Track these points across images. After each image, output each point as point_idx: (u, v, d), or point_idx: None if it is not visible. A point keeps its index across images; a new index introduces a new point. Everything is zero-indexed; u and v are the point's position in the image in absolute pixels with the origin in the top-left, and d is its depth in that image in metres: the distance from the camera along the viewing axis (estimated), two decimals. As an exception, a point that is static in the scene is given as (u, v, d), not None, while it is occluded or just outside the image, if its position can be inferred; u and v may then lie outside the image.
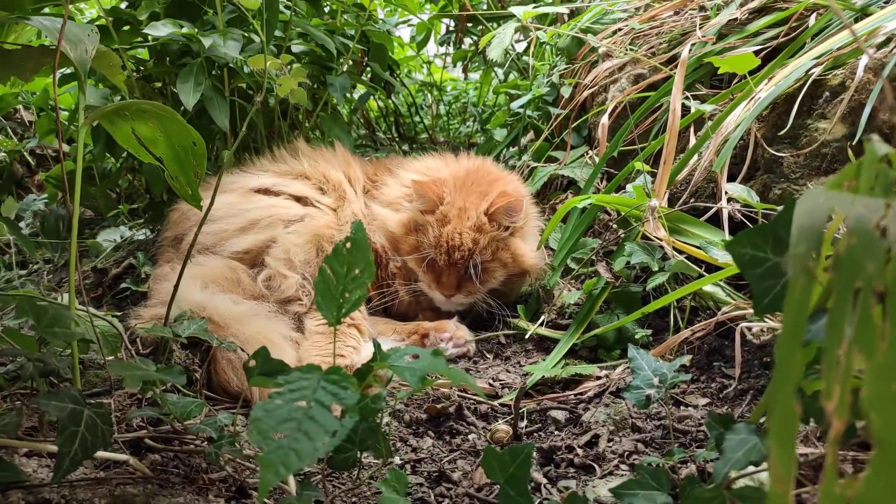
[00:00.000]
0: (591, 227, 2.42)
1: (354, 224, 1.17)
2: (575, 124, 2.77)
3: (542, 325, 2.16)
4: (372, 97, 4.49)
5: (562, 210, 2.27)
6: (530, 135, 3.17)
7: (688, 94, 2.45)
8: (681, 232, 1.93)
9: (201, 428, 1.30)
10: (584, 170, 2.66)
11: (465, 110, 4.99)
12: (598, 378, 1.83)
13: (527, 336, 2.11)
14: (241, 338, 1.88)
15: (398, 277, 2.26)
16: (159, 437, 1.43)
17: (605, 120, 2.49)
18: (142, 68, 2.76)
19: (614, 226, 2.48)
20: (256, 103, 1.85)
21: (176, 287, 1.72)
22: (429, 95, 5.13)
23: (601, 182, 2.65)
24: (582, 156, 2.77)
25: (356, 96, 4.11)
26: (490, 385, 1.89)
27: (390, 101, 4.50)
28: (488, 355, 2.16)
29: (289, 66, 2.01)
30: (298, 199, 2.33)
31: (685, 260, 1.84)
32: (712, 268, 1.83)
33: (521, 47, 3.92)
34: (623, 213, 2.14)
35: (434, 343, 2.11)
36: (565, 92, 2.82)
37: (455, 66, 4.48)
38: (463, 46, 4.33)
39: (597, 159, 2.68)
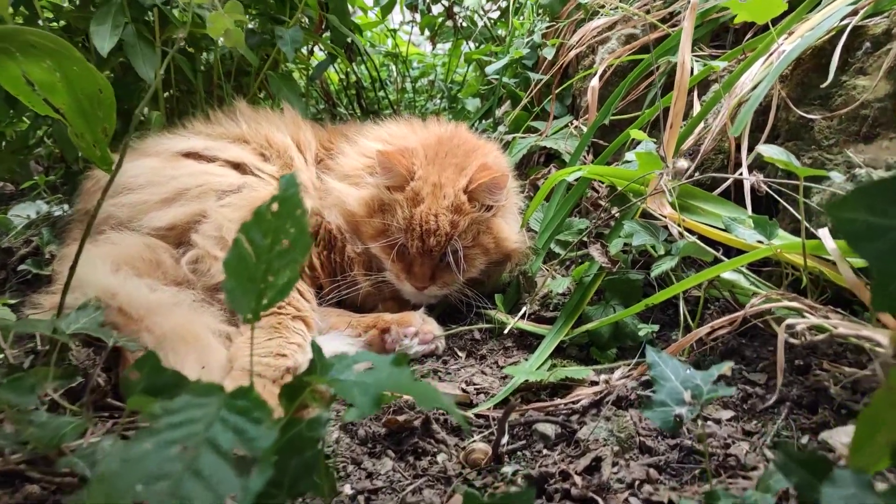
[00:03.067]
0: (577, 205, 2.10)
1: (284, 179, 0.82)
2: (558, 90, 2.45)
3: (523, 317, 1.84)
4: (332, 66, 4.11)
5: (547, 185, 1.95)
6: (507, 104, 2.84)
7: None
8: (690, 209, 1.63)
9: (71, 461, 0.94)
10: (569, 141, 2.35)
11: (432, 85, 4.63)
12: (594, 384, 1.52)
13: (506, 331, 1.79)
14: (158, 332, 1.52)
15: (357, 265, 1.91)
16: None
17: (594, 83, 2.17)
18: (61, 21, 2.34)
19: (605, 203, 2.17)
20: (178, 41, 1.47)
21: (72, 269, 1.36)
22: (394, 68, 4.76)
23: (587, 155, 2.34)
24: (566, 126, 2.45)
25: (314, 64, 3.74)
26: (463, 391, 1.56)
27: (352, 71, 4.12)
28: (460, 353, 1.83)
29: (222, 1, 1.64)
30: (235, 165, 1.95)
31: (698, 241, 1.54)
32: (729, 252, 1.53)
33: (496, 12, 3.58)
34: (619, 188, 1.82)
35: (396, 339, 1.77)
36: (548, 53, 2.50)
37: (423, 32, 4.11)
38: (432, 13, 3.97)
39: (583, 129, 2.36)
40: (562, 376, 1.54)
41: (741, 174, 1.57)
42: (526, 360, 1.72)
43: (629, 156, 1.79)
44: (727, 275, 1.46)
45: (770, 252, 1.35)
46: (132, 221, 1.82)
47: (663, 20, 2.29)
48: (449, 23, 4.07)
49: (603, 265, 1.67)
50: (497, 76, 2.80)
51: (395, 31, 4.39)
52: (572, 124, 2.40)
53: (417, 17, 4.24)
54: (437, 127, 2.06)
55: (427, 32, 4.33)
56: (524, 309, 1.85)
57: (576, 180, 1.88)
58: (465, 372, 1.73)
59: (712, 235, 1.53)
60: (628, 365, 1.54)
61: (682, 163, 1.27)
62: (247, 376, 1.54)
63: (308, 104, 4.06)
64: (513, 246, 1.89)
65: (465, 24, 4.01)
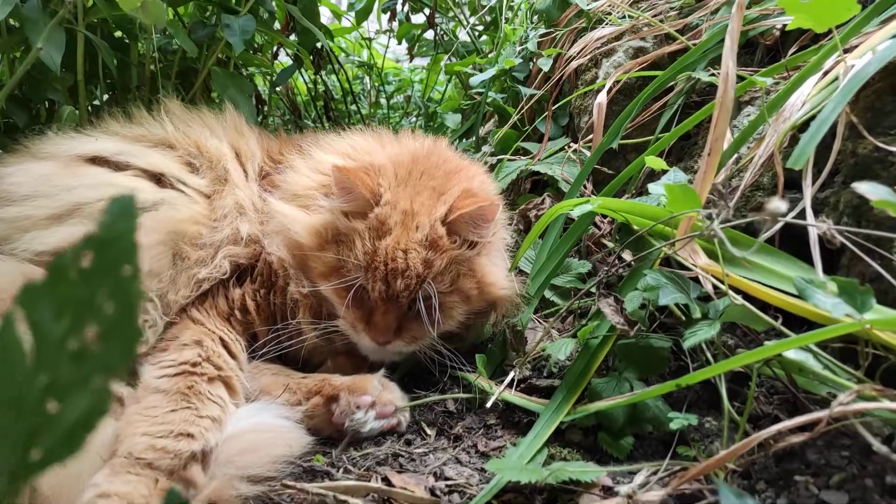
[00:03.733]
0: (576, 244, 1.73)
1: (113, 204, 0.42)
2: (555, 107, 2.09)
3: (511, 386, 1.44)
4: (300, 74, 3.72)
5: (545, 218, 1.57)
6: (492, 122, 2.48)
7: (711, 69, 1.81)
8: (733, 261, 1.26)
9: None
10: (567, 167, 1.98)
11: (408, 101, 4.26)
12: (608, 491, 1.13)
13: (489, 403, 1.39)
14: None
15: (303, 310, 1.50)
16: None
17: (602, 98, 1.82)
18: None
19: (610, 244, 1.80)
20: (66, 7, 1.06)
21: None
22: (368, 81, 4.38)
23: (587, 184, 1.98)
24: (562, 149, 2.09)
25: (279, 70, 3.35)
26: (431, 494, 1.16)
27: (321, 81, 3.73)
28: (429, 430, 1.42)
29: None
30: (153, 176, 1.54)
31: (748, 305, 1.17)
32: (788, 320, 1.17)
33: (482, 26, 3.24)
34: (638, 229, 1.45)
35: (346, 412, 1.36)
36: (544, 64, 2.14)
37: (400, 42, 3.75)
38: (411, 21, 3.62)
39: (585, 153, 2.00)
40: (564, 477, 1.15)
41: (788, 218, 1.21)
42: (514, 445, 1.32)
43: (654, 188, 1.43)
44: (793, 354, 1.09)
45: (857, 328, 0.99)
46: (7, 242, 1.39)
47: (680, 31, 1.95)
48: (429, 34, 3.72)
49: (618, 326, 1.29)
50: (482, 89, 2.44)
51: (370, 40, 4.02)
52: (570, 147, 2.04)
53: (395, 25, 3.88)
54: (411, 142, 1.67)
55: (405, 44, 3.98)
56: (511, 374, 1.45)
57: (579, 215, 1.51)
58: (435, 458, 1.32)
59: (767, 298, 1.17)
60: (656, 468, 1.16)
61: (778, 203, 0.89)
62: (133, 466, 1.12)
63: (271, 114, 3.66)
64: (500, 293, 1.50)
65: (446, 37, 3.66)
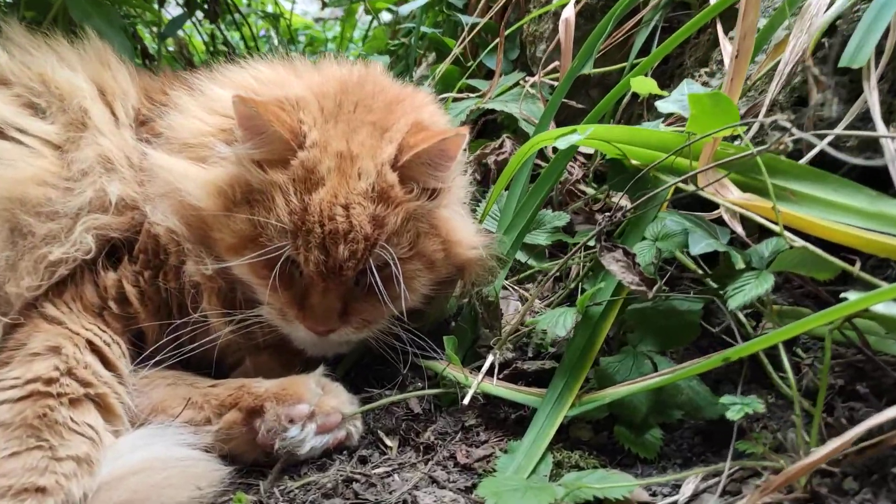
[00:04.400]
0: (549, 193, 1.41)
1: None
2: (508, 32, 1.74)
3: (490, 374, 1.11)
4: (194, 26, 3.21)
5: (518, 157, 1.25)
6: (426, 63, 2.11)
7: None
8: (766, 192, 0.96)
9: None
10: (525, 103, 1.65)
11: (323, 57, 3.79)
12: (651, 511, 0.83)
13: (466, 398, 1.06)
14: None
15: (208, 296, 1.10)
16: None
17: (569, 13, 1.49)
18: None
19: (590, 190, 1.50)
20: None
21: None
22: (274, 36, 3.88)
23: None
24: (516, 84, 1.76)
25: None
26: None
27: (219, 34, 3.24)
28: (389, 441, 1.07)
29: None
30: (-23, 123, 1.09)
31: (810, 247, 0.88)
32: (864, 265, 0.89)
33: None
34: (640, 164, 1.14)
35: (275, 429, 0.99)
36: (489, -17, 1.79)
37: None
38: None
39: (546, 86, 1.68)
40: (586, 497, 0.84)
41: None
42: (505, 452, 1.00)
43: (665, 105, 1.11)
44: (882, 307, 0.82)
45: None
46: None
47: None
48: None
49: (631, 286, 0.98)
50: (412, 24, 2.07)
51: (273, -15, 3.53)
52: (526, 81, 1.71)
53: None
54: (336, 68, 1.28)
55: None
56: (490, 358, 1.12)
57: (554, 151, 1.18)
58: (402, 480, 0.99)
59: (835, 237, 0.88)
60: (709, 473, 0.86)
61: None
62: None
63: (160, 64, 3.13)
64: (470, 253, 1.15)
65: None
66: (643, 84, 1.24)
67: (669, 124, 1.28)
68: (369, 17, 3.29)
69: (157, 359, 1.08)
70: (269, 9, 3.73)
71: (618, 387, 0.99)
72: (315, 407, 1.01)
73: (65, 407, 0.91)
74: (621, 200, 1.33)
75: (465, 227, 1.16)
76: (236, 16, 3.09)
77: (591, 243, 1.12)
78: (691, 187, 1.04)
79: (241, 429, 1.00)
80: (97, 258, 1.10)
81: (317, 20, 4.24)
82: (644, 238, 1.09)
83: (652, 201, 1.11)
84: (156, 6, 2.80)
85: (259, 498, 0.95)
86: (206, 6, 2.99)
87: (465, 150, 1.13)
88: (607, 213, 1.06)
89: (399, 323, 1.13)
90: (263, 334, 1.12)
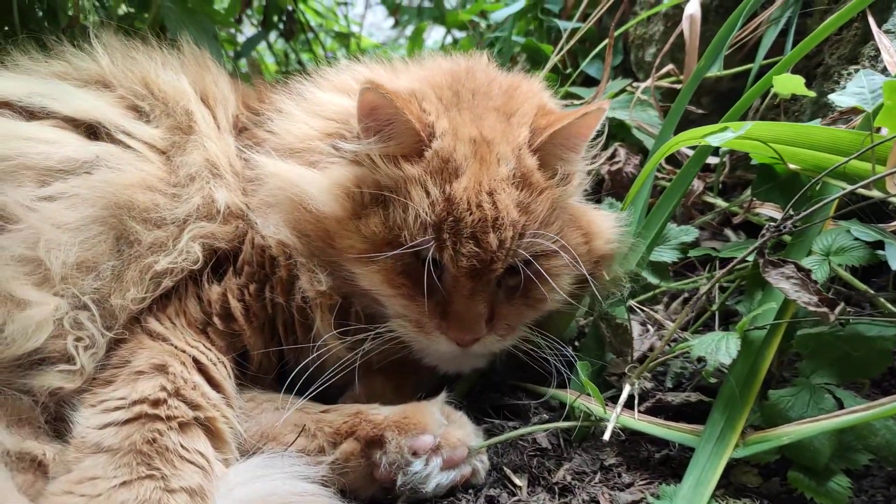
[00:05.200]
0: (677, 204, 1.28)
1: None
2: (616, 33, 1.63)
3: (630, 406, 0.98)
4: (267, 47, 3.24)
5: (652, 163, 1.13)
6: (517, 70, 2.01)
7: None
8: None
9: None
10: (640, 109, 1.53)
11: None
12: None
13: (605, 434, 0.93)
14: None
15: (321, 312, 1.00)
16: None
17: (693, 9, 1.37)
18: None
19: (718, 201, 1.36)
20: None
21: None
22: (339, 55, 3.86)
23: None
24: (623, 90, 1.64)
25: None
26: None
27: (293, 50, 3.24)
28: (518, 480, 0.95)
29: None
30: (83, 126, 1.04)
31: None
32: None
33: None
34: (800, 168, 1.01)
35: (398, 462, 0.88)
36: (593, -14, 1.69)
37: (384, 1, 3.25)
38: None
39: (652, 97, 1.56)
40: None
41: None
42: (657, 497, 0.87)
43: (844, 99, 0.98)
44: None
45: None
46: None
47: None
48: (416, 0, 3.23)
49: (808, 308, 0.84)
50: (501, 33, 1.98)
51: (346, 3, 3.52)
52: (634, 87, 1.60)
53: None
54: (441, 61, 1.19)
55: (381, 21, 3.47)
56: (627, 388, 0.99)
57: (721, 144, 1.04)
58: (539, 527, 0.86)
59: None
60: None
61: None
62: None
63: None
64: (608, 248, 1.06)
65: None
66: (787, 83, 1.11)
67: (828, 124, 1.14)
68: (440, 33, 3.24)
69: (259, 372, 1.00)
70: (339, 27, 3.74)
71: (793, 425, 0.85)
72: (440, 438, 0.90)
73: (174, 432, 0.83)
74: (765, 210, 1.20)
75: (601, 218, 1.07)
76: (309, 35, 3.08)
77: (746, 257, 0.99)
78: (875, 193, 0.90)
79: (358, 460, 0.90)
80: (203, 269, 1.02)
81: (382, 44, 4.22)
82: (811, 253, 0.95)
83: (820, 212, 0.97)
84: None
85: (381, 540, 0.85)
86: (281, 25, 3.00)
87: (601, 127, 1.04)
88: (772, 224, 0.92)
89: (538, 331, 1.02)
90: (379, 354, 1.02)
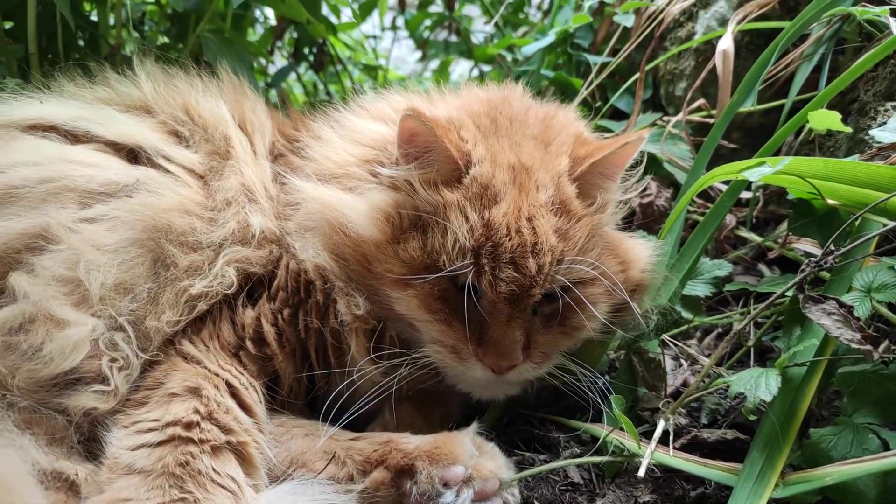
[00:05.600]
0: (710, 238, 1.27)
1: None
2: (648, 67, 1.64)
3: (664, 441, 0.96)
4: (297, 78, 3.30)
5: (688, 196, 1.12)
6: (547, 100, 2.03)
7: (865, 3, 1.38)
8: None
9: None
10: (670, 143, 1.53)
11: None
12: None
13: (640, 470, 0.91)
14: None
15: (356, 336, 1.00)
16: None
17: (726, 45, 1.38)
18: None
19: (752, 236, 1.35)
20: None
21: None
22: (366, 88, 3.91)
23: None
24: (653, 124, 1.64)
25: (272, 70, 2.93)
26: None
27: (322, 82, 3.30)
28: (549, 516, 0.93)
29: None
30: (125, 151, 1.06)
31: None
32: None
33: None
34: (840, 204, 1.00)
35: (429, 493, 0.87)
36: (624, 20, 1.71)
37: (412, 35, 3.31)
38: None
39: (684, 131, 1.56)
40: None
41: None
42: (693, 537, 0.84)
43: (885, 135, 0.97)
44: None
45: None
46: None
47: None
48: (442, 34, 3.28)
49: (851, 345, 0.83)
50: (529, 67, 2.00)
51: (375, 37, 3.59)
52: (664, 121, 1.60)
53: (400, 21, 3.46)
54: (476, 91, 1.20)
55: (408, 53, 3.54)
56: (661, 424, 0.97)
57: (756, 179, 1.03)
58: (573, 565, 0.84)
59: None
60: None
61: None
62: None
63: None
64: (643, 276, 1.05)
65: (462, 28, 3.23)
66: (823, 118, 1.11)
67: (866, 160, 1.13)
68: (465, 66, 3.28)
69: (291, 397, 1.00)
70: (366, 60, 3.80)
71: (836, 466, 0.83)
72: (472, 470, 0.89)
73: (207, 455, 0.82)
74: (802, 245, 1.19)
75: (638, 246, 1.07)
76: (338, 67, 3.14)
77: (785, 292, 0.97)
78: (918, 231, 0.89)
79: (388, 490, 0.89)
80: (237, 294, 1.02)
81: (408, 77, 4.27)
82: (851, 289, 0.94)
83: (860, 248, 0.96)
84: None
85: (411, 574, 0.83)
86: (311, 57, 3.06)
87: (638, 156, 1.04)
88: (813, 259, 0.91)
89: (572, 359, 1.02)
90: (409, 382, 1.01)
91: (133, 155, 1.07)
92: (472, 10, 3.44)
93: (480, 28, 3.27)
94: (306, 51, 3.05)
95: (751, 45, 1.62)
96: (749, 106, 1.34)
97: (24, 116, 1.07)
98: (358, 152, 1.11)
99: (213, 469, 0.82)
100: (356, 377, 0.98)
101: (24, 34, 1.54)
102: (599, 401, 1.00)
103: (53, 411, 0.87)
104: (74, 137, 1.07)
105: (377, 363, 0.99)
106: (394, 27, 3.61)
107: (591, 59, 1.83)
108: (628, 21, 1.71)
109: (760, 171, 0.98)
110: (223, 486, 0.81)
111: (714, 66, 1.49)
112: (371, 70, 3.69)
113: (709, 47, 1.62)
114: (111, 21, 1.77)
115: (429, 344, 0.98)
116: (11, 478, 0.73)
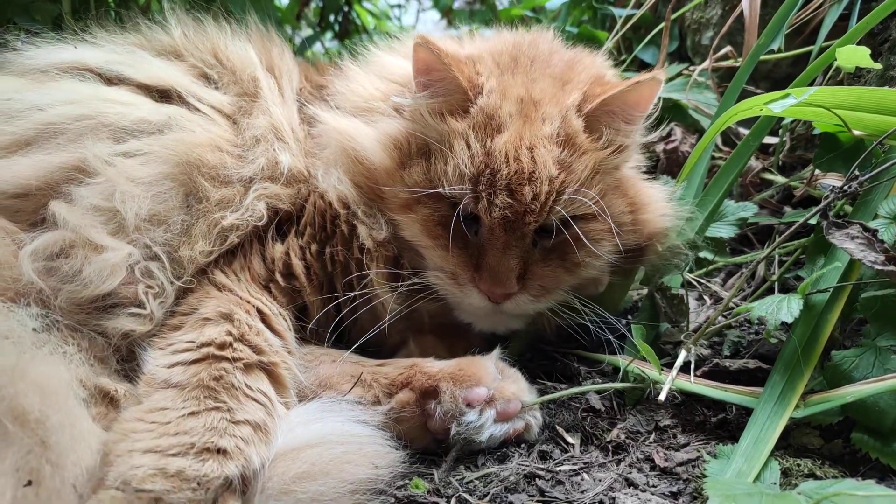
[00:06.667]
0: (735, 179, 1.26)
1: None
2: (673, 17, 1.63)
3: (685, 370, 0.98)
4: (321, 46, 3.31)
5: (711, 132, 1.12)
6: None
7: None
8: None
9: None
10: (696, 91, 1.52)
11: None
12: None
13: (662, 395, 0.92)
14: None
15: (377, 262, 1.04)
16: None
17: (754, -13, 1.36)
18: None
19: (777, 177, 1.34)
20: None
21: None
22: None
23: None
24: (679, 74, 1.63)
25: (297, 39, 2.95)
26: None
27: (345, 54, 3.29)
28: (570, 438, 0.95)
29: None
30: (157, 92, 1.09)
31: None
32: None
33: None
34: (866, 135, 0.99)
35: (452, 412, 0.90)
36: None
37: (437, 3, 3.31)
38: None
39: (711, 79, 1.54)
40: (844, 508, 0.68)
41: None
42: (713, 456, 0.86)
43: None
44: None
45: None
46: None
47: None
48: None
49: (874, 267, 0.83)
50: (554, 24, 1.99)
51: (399, 6, 3.58)
52: (691, 70, 1.59)
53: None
54: (505, 34, 1.21)
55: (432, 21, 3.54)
56: (682, 354, 0.98)
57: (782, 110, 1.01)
58: (593, 480, 0.86)
59: None
60: None
61: None
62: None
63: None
64: (658, 221, 1.05)
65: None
66: (852, 55, 1.09)
67: None
68: (490, 34, 3.27)
69: (318, 325, 1.03)
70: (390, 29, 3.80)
71: (856, 385, 0.83)
72: (494, 391, 0.91)
73: (239, 371, 0.86)
74: (829, 179, 1.18)
75: (653, 191, 1.06)
76: (363, 36, 3.15)
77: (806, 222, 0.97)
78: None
79: (413, 410, 0.91)
80: (267, 227, 1.06)
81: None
82: (876, 216, 0.93)
83: (885, 174, 0.95)
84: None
85: (435, 486, 0.86)
86: (336, 26, 3.08)
87: (656, 102, 1.03)
88: (837, 188, 0.91)
89: (580, 297, 1.02)
90: (428, 311, 1.04)
91: (164, 96, 1.10)
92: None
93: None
94: (332, 19, 3.07)
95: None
96: (776, 47, 1.32)
97: (60, 59, 1.10)
98: (384, 87, 1.14)
99: (246, 384, 0.85)
100: (377, 303, 1.01)
101: (59, -6, 1.58)
102: (616, 341, 1.00)
103: (94, 332, 0.91)
104: (108, 80, 1.10)
105: (394, 290, 1.01)
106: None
107: (617, 11, 1.81)
108: (654, -31, 1.70)
109: (785, 102, 0.97)
110: (255, 400, 0.84)
111: (741, 14, 1.47)
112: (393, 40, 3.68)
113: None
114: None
115: (431, 270, 1.01)
116: (57, 386, 0.77)
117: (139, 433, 0.76)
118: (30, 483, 0.68)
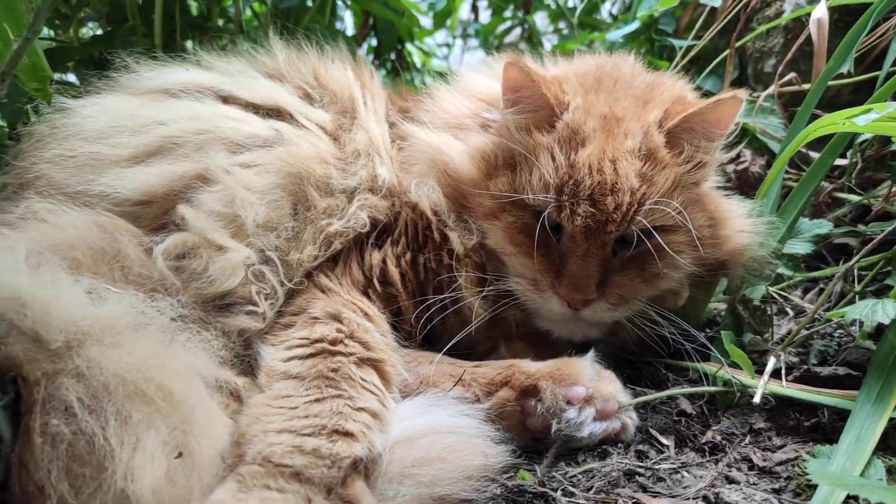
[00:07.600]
0: (811, 196, 1.30)
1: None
2: (738, 43, 1.69)
3: (776, 376, 1.00)
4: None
5: (798, 141, 1.15)
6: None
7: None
8: None
9: None
10: (761, 116, 1.57)
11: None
12: None
13: (756, 398, 0.95)
14: (98, 378, 0.73)
15: (466, 268, 1.10)
16: None
17: (821, 13, 1.41)
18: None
19: (850, 196, 1.37)
20: None
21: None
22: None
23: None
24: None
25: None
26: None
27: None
28: (664, 440, 0.98)
29: None
30: (263, 110, 1.17)
31: None
32: None
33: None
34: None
35: (553, 410, 0.93)
36: (711, 1, 1.75)
37: (485, 42, 3.42)
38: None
39: (777, 105, 1.59)
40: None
41: None
42: (813, 456, 0.87)
43: None
44: None
45: None
46: (78, 187, 1.03)
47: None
48: (510, 37, 3.39)
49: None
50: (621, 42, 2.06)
51: (448, 45, 3.71)
52: (755, 97, 1.63)
53: (471, 30, 3.58)
54: (587, 57, 1.29)
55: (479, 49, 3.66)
56: (772, 360, 1.01)
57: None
58: (694, 477, 0.88)
59: None
60: None
61: None
62: (273, 477, 0.72)
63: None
64: (739, 239, 1.08)
65: (534, 30, 3.32)
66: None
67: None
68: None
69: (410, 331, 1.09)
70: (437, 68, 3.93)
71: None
72: (592, 390, 0.95)
73: (354, 365, 0.91)
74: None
75: (732, 207, 1.11)
76: (413, 74, 3.26)
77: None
78: None
79: (513, 407, 0.95)
80: (367, 236, 1.12)
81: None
82: (965, 226, 0.96)
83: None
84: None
85: (540, 479, 0.89)
86: (388, 64, 3.21)
87: (737, 122, 1.08)
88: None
89: (658, 308, 1.06)
90: (515, 317, 1.09)
91: (272, 114, 1.18)
92: (538, 20, 3.52)
93: (546, 38, 3.35)
94: (386, 56, 3.19)
95: (840, 22, 1.64)
96: (845, 70, 1.37)
97: (176, 80, 1.19)
98: (472, 107, 1.21)
99: (361, 378, 0.90)
100: (465, 308, 1.06)
101: (151, 30, 1.70)
102: (699, 348, 1.03)
103: (216, 327, 0.97)
104: (222, 98, 1.19)
105: (480, 294, 1.06)
106: (465, 35, 3.73)
107: (677, 42, 1.88)
108: (716, 1, 1.76)
109: (868, 116, 1.01)
110: (370, 391, 0.89)
111: (804, 41, 1.52)
112: (443, 77, 3.80)
113: (797, 24, 1.65)
114: (219, 22, 1.96)
115: (513, 277, 1.07)
116: (194, 372, 0.83)
117: (270, 416, 0.81)
118: (180, 455, 0.73)
